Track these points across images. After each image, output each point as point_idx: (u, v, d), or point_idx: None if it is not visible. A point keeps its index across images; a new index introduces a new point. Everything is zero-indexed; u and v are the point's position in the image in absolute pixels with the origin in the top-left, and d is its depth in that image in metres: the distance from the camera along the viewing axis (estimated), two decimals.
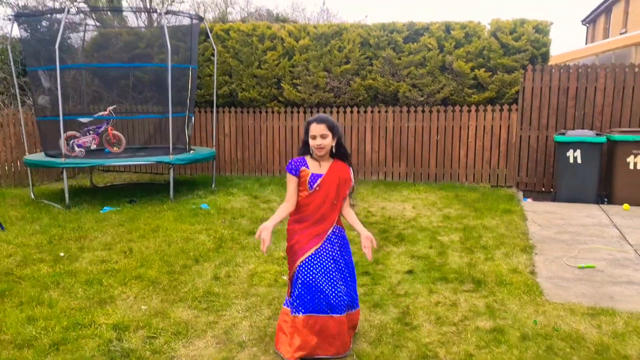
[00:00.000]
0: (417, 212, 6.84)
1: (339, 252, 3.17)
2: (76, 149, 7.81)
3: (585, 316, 3.70)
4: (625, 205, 7.21)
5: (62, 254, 4.99)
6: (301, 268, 3.05)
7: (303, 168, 3.12)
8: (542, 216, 6.70)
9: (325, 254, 3.10)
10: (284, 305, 3.24)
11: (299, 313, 3.02)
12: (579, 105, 8.21)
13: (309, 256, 3.06)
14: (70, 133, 7.84)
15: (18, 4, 12.94)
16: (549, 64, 8.67)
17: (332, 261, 3.10)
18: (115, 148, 8.39)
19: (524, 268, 4.68)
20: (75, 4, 16.39)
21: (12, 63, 7.66)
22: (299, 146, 3.27)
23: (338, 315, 3.05)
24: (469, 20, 8.80)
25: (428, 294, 4.14)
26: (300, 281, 3.03)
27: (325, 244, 3.12)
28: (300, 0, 33.51)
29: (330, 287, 3.04)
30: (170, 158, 7.41)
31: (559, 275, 4.59)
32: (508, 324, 3.59)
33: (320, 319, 3.02)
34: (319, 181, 3.10)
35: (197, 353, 3.22)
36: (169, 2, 18.37)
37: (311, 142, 3.09)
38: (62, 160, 7.07)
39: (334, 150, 3.15)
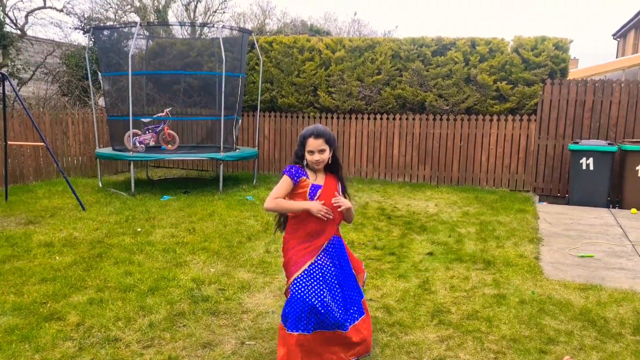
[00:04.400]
0: (439, 209, 7.64)
1: (337, 262, 3.06)
2: (138, 145, 8.86)
3: (576, 290, 4.46)
4: (633, 210, 7.86)
5: (139, 229, 5.99)
6: (294, 285, 2.94)
7: (303, 177, 2.99)
8: (553, 216, 7.42)
9: (319, 268, 2.99)
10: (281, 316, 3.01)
11: (292, 331, 2.88)
12: (595, 117, 8.88)
13: (302, 272, 2.96)
14: (133, 131, 8.90)
15: (84, 14, 14.28)
16: (576, 76, 9.36)
17: (327, 275, 3.00)
18: (169, 145, 9.44)
19: (529, 254, 5.45)
20: (126, 14, 17.73)
21: (89, 71, 8.76)
22: (292, 158, 3.09)
23: (330, 331, 2.96)
24: (493, 36, 9.57)
25: (445, 270, 4.95)
26: (294, 298, 2.90)
27: (321, 256, 3.01)
28: (332, 10, 34.48)
29: (321, 304, 2.90)
30: (221, 155, 8.40)
31: (560, 261, 5.34)
32: (510, 292, 4.38)
33: (313, 337, 2.92)
34: (318, 192, 2.99)
35: (259, 302, 4.11)
36: (211, 12, 19.59)
37: (308, 156, 2.96)
38: (130, 153, 8.14)
39: (329, 162, 3.04)
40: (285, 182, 2.99)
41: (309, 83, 10.51)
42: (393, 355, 3.29)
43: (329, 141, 2.98)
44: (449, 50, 9.65)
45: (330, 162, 3.04)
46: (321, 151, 2.95)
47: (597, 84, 8.85)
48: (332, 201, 2.97)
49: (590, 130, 8.91)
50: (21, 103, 7.15)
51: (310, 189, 2.98)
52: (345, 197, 3.11)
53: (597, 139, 8.81)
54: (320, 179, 3.03)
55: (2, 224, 6.26)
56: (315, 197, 2.97)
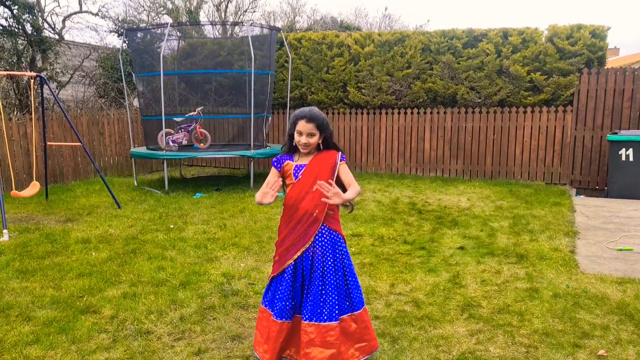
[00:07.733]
0: (471, 204, 7.51)
1: (320, 261, 2.95)
2: (171, 144, 9.05)
3: (613, 283, 4.32)
4: None
5: (172, 226, 6.12)
6: (274, 281, 3.05)
7: (287, 162, 3.01)
8: (590, 209, 7.19)
9: (297, 271, 2.98)
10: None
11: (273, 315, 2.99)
12: (635, 106, 8.56)
13: (280, 273, 3.00)
14: (166, 130, 9.10)
15: (118, 17, 14.68)
16: (615, 64, 9.03)
17: (302, 279, 2.99)
18: (201, 144, 9.59)
19: (564, 248, 5.30)
20: (159, 16, 18.09)
21: (122, 72, 8.99)
22: (285, 141, 3.07)
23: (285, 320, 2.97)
24: (526, 26, 9.33)
25: (476, 264, 4.87)
26: (272, 288, 3.06)
27: (307, 252, 2.96)
28: (363, 5, 34.32)
29: (285, 299, 2.97)
30: (252, 152, 8.49)
31: (596, 254, 5.17)
32: (543, 286, 4.27)
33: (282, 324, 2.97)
34: (301, 172, 2.95)
35: None
36: (242, 12, 19.78)
37: (296, 136, 2.93)
38: (164, 152, 8.33)
39: (321, 147, 3.00)
40: (271, 172, 3.05)
41: (339, 79, 10.49)
42: (421, 348, 3.27)
43: (321, 127, 2.92)
44: (481, 42, 9.47)
45: (321, 146, 2.99)
46: (310, 135, 2.90)
47: (636, 72, 8.52)
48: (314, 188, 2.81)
49: (630, 120, 8.59)
50: (59, 105, 7.40)
51: (294, 169, 2.97)
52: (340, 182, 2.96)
53: (638, 129, 8.49)
54: (304, 159, 2.99)
55: (43, 222, 6.51)
56: (299, 175, 2.95)
